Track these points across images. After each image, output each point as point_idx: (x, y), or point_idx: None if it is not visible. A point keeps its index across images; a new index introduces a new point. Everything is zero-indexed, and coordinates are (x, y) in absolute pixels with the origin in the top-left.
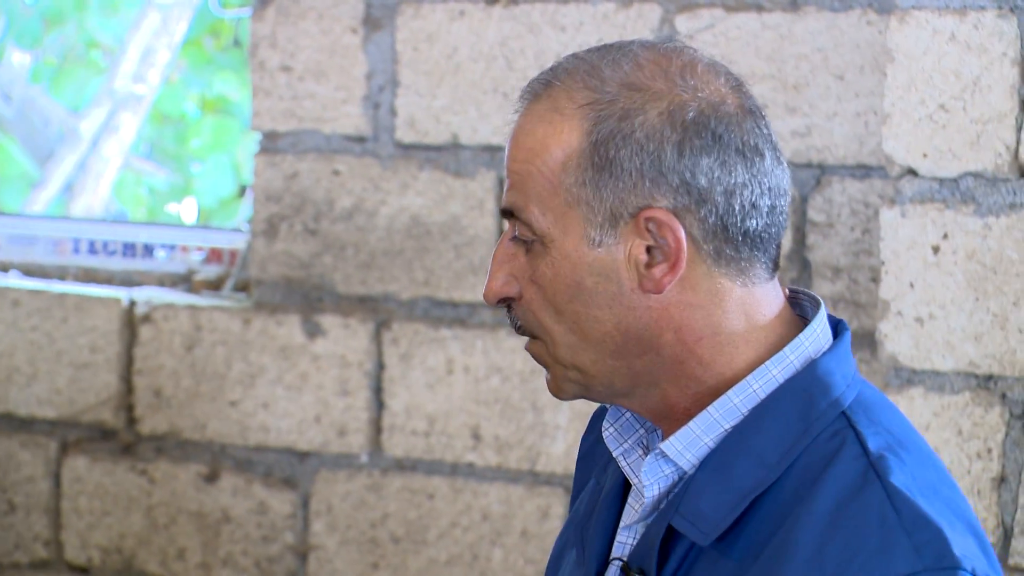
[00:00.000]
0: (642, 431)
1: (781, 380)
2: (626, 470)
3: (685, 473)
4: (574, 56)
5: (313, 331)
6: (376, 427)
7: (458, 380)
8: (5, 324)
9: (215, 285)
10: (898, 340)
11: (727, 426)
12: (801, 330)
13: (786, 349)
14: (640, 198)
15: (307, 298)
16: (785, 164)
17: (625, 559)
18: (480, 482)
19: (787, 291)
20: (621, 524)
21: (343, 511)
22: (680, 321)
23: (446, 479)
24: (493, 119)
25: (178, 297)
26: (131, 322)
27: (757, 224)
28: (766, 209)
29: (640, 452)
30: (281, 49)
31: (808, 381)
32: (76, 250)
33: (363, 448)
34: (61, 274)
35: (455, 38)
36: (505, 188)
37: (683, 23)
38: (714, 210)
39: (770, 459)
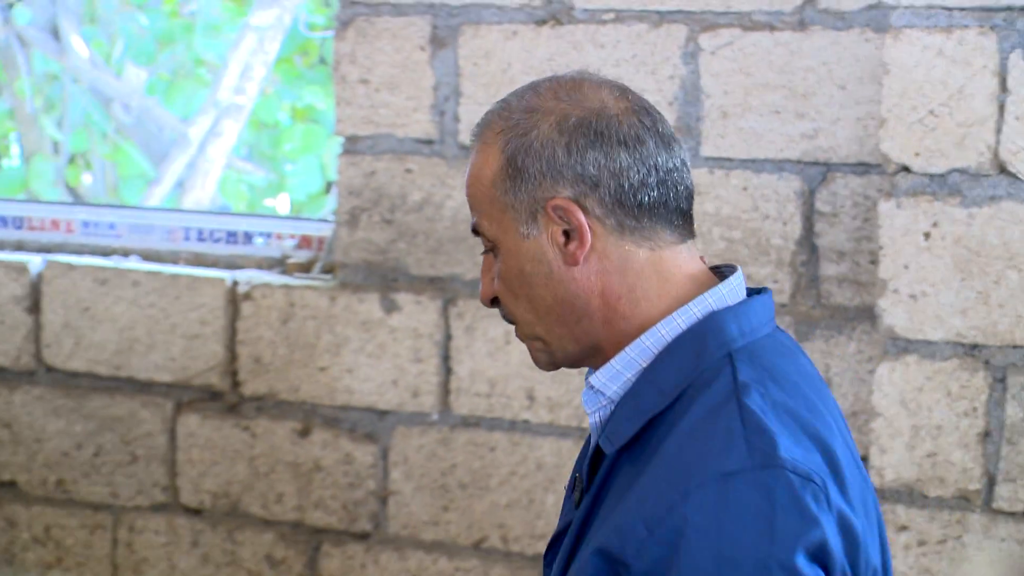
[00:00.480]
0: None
1: (684, 327)
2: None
3: (614, 402)
4: (500, 101)
5: (390, 307)
6: (445, 389)
7: (514, 349)
8: (127, 301)
9: (305, 268)
10: (895, 314)
11: (642, 363)
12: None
13: (691, 303)
14: (546, 192)
15: (384, 279)
16: (676, 149)
17: (577, 476)
18: (535, 437)
19: (723, 267)
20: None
21: (417, 461)
22: (602, 286)
23: (505, 434)
24: None
25: (274, 278)
26: (234, 300)
27: (649, 197)
28: (655, 183)
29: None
30: (360, 65)
31: (705, 328)
32: (187, 238)
33: (434, 407)
34: (174, 258)
35: (509, 54)
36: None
37: (706, 41)
38: (607, 191)
39: (666, 388)
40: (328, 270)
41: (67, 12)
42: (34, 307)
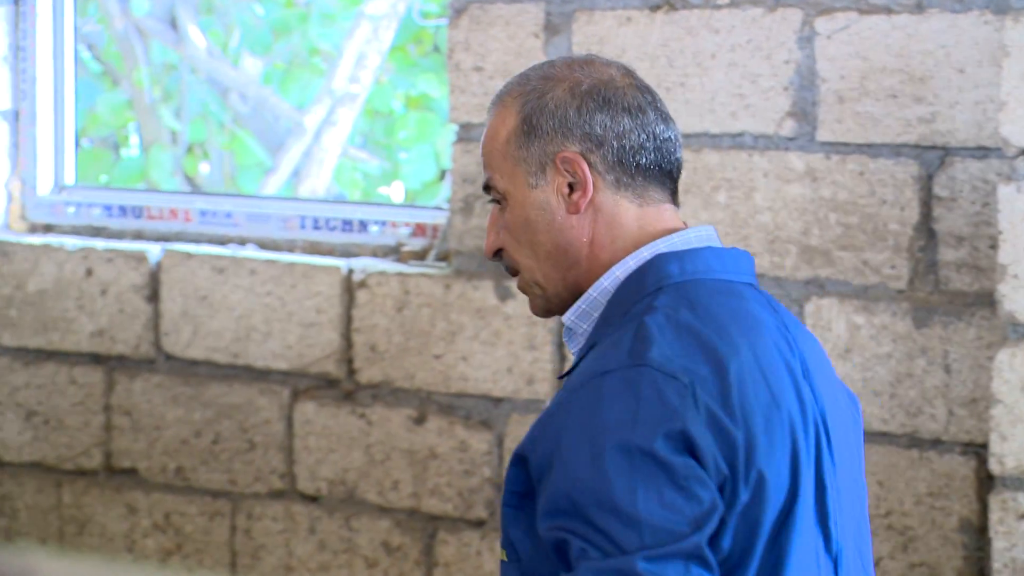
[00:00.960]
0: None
1: (633, 268)
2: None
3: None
4: (518, 74)
5: (504, 294)
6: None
7: None
8: (244, 290)
9: (420, 255)
10: (1015, 300)
11: (603, 301)
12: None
13: (643, 248)
14: (556, 147)
15: (498, 267)
16: (671, 125)
17: None
18: None
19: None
20: None
21: None
22: (592, 235)
23: None
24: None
25: (389, 266)
26: (349, 288)
27: (645, 159)
28: (652, 148)
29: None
30: (474, 52)
31: (647, 267)
32: (303, 226)
33: (548, 394)
34: (290, 247)
35: (623, 40)
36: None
37: (822, 25)
38: (610, 150)
39: (613, 318)
40: (442, 258)
41: (185, 2)
42: (153, 296)
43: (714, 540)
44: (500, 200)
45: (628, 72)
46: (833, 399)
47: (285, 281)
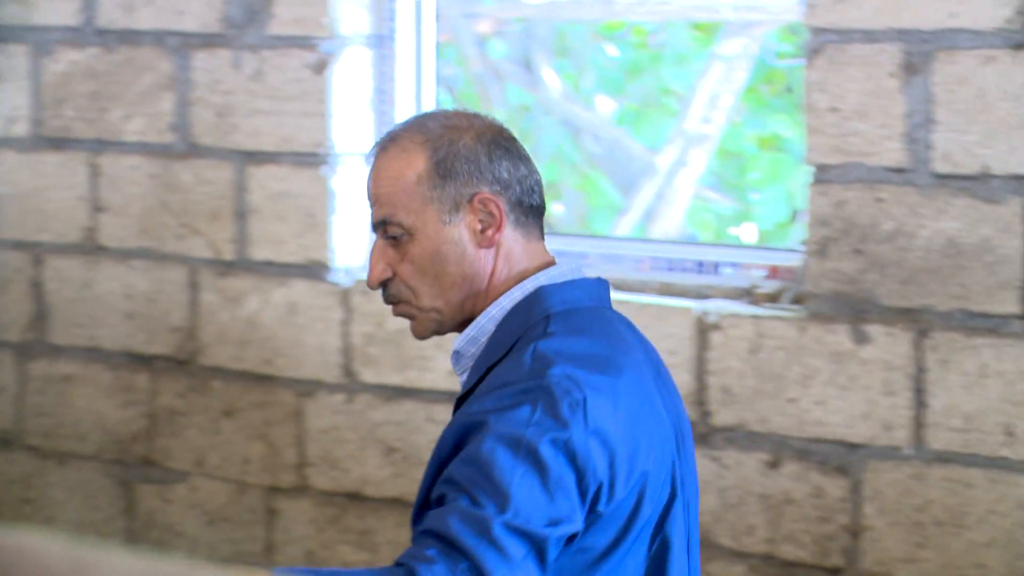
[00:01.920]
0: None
1: (520, 298)
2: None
3: (473, 362)
4: (399, 124)
5: (860, 338)
6: (918, 423)
7: (992, 383)
8: None
9: (773, 298)
10: None
11: (491, 329)
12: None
13: (526, 281)
14: (472, 189)
15: (854, 309)
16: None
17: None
18: (1014, 474)
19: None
20: None
21: (890, 496)
22: (492, 267)
23: (982, 471)
24: (1020, 152)
25: (742, 308)
26: (702, 329)
27: (535, 201)
28: (538, 191)
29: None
30: (830, 93)
31: (532, 298)
32: (655, 267)
33: (907, 442)
34: (642, 287)
35: (984, 80)
36: (371, 210)
37: None
38: (513, 193)
39: (503, 343)
40: (797, 300)
41: (540, 45)
42: None
43: (574, 540)
44: (399, 235)
45: (501, 123)
46: (677, 404)
47: (638, 322)
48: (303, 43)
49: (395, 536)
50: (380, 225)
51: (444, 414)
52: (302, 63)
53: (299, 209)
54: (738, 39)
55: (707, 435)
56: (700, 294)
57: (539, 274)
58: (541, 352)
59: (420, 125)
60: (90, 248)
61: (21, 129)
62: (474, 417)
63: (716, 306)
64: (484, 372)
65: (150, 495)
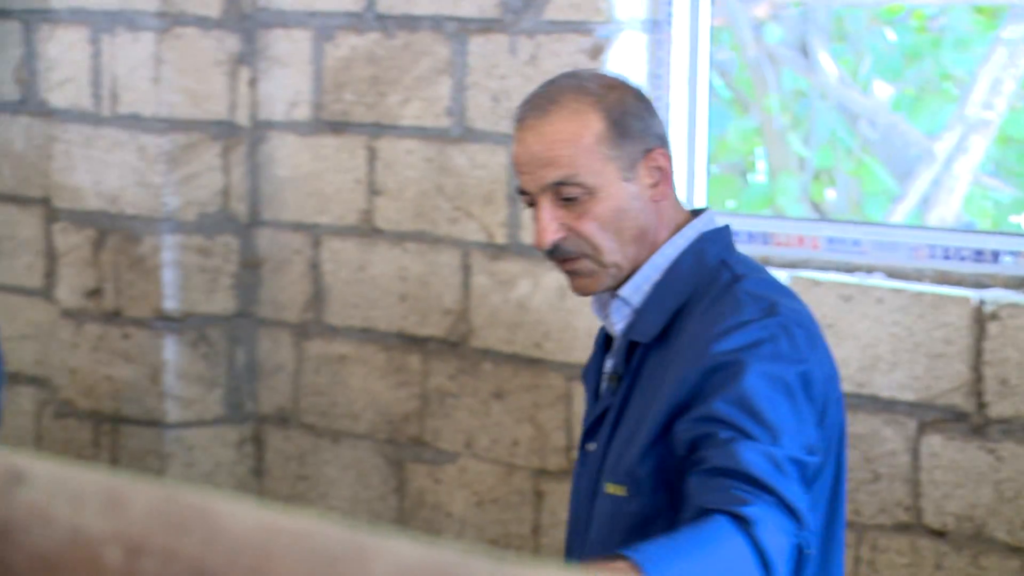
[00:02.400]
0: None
1: (684, 247)
2: (609, 327)
3: (635, 310)
4: (546, 85)
5: None
6: None
7: None
8: (871, 319)
9: None
10: None
11: (655, 277)
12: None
13: (684, 229)
14: (644, 145)
15: None
16: None
17: (606, 372)
18: None
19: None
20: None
21: None
22: (660, 218)
23: None
24: None
25: (1021, 298)
26: (980, 319)
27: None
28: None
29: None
30: None
31: (699, 244)
32: (932, 255)
33: None
34: (918, 276)
35: None
36: (537, 172)
37: None
38: (668, 147)
39: (680, 289)
40: None
41: (817, 30)
42: None
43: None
44: (578, 196)
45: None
46: None
47: (912, 311)
48: (579, 28)
49: None
50: (553, 186)
51: None
52: (577, 48)
53: None
54: (1022, 23)
55: (983, 427)
56: (978, 283)
57: (695, 222)
58: (755, 292)
59: (577, 87)
60: (366, 230)
61: (302, 113)
62: (720, 358)
63: (994, 295)
64: (669, 316)
65: (421, 475)
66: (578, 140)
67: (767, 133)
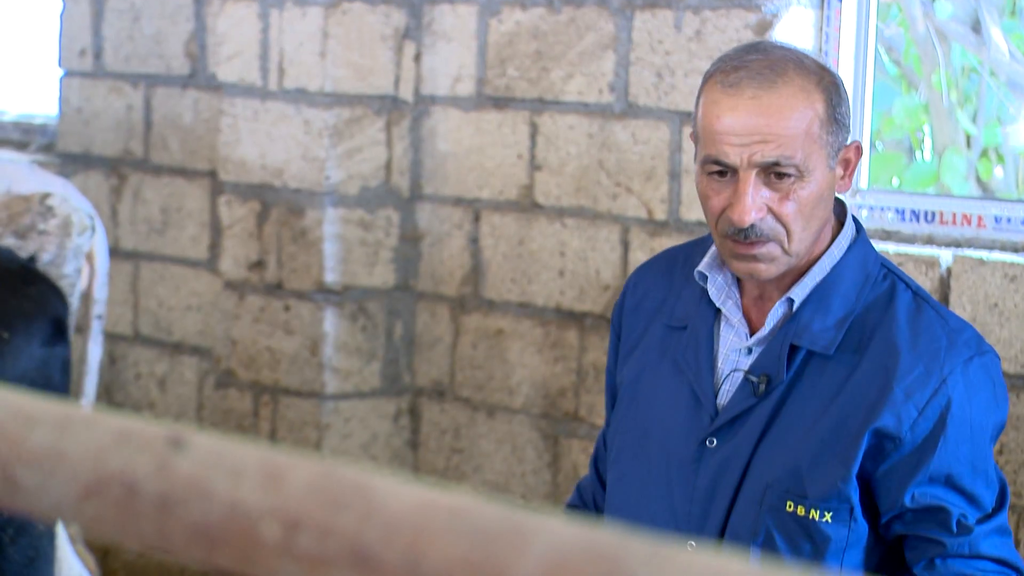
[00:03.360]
0: (730, 290)
1: (846, 247)
2: (731, 312)
3: (789, 311)
4: (757, 52)
5: None
6: None
7: None
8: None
9: None
10: None
11: (819, 278)
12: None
13: (845, 229)
14: (846, 138)
15: None
16: None
17: (746, 370)
18: None
19: None
20: (724, 350)
21: None
22: (829, 214)
23: None
24: None
25: None
26: None
27: None
28: None
29: (732, 303)
30: None
31: (860, 250)
32: None
33: None
34: None
35: None
36: (761, 147)
37: None
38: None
39: (851, 295)
40: None
41: (988, 5)
42: (942, 301)
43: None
44: (789, 175)
45: None
46: None
47: None
48: (746, 3)
49: None
50: (770, 164)
51: None
52: (743, 24)
53: None
54: None
55: None
56: None
57: (849, 221)
58: (952, 319)
59: (797, 62)
60: (527, 205)
61: (466, 88)
62: (946, 408)
63: None
64: (844, 326)
65: (575, 450)
66: (804, 119)
67: (934, 110)
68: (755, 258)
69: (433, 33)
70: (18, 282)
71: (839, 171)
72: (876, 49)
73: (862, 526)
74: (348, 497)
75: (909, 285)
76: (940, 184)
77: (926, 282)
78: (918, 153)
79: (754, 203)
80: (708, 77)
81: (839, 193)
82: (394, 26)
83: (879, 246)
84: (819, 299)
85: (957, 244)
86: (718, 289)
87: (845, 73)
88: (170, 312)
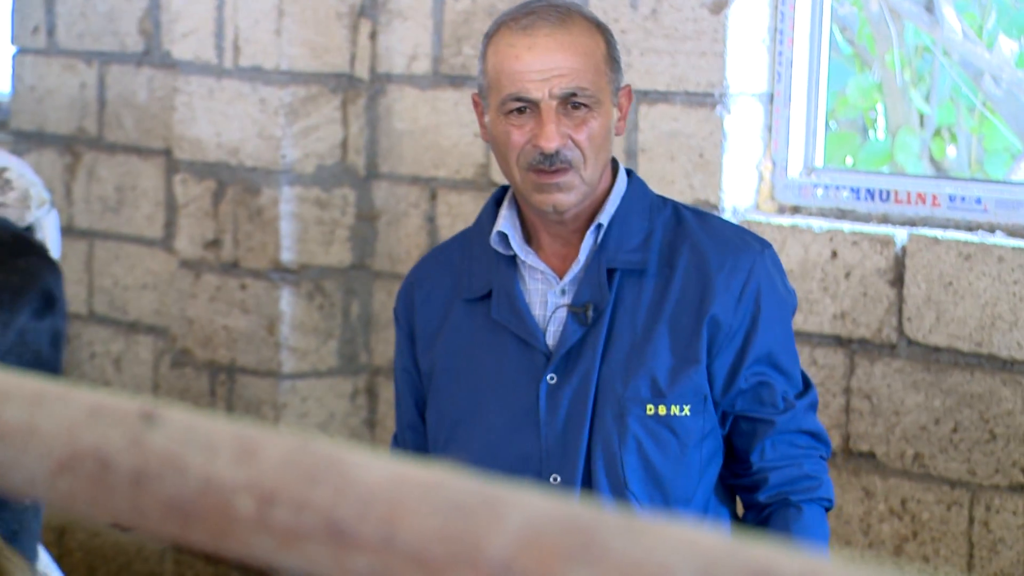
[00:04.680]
0: (526, 246)
1: (626, 180)
2: (535, 263)
3: (595, 243)
4: (549, 4)
5: None
6: None
7: None
8: (990, 277)
9: None
10: None
11: (612, 210)
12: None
13: (620, 171)
14: (622, 79)
15: None
16: None
17: (567, 303)
18: None
19: None
20: (538, 300)
21: None
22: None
23: None
24: None
25: None
26: None
27: None
28: None
29: (532, 256)
30: None
31: (637, 184)
32: None
33: None
34: None
35: None
36: (559, 79)
37: None
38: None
39: (644, 219)
40: None
41: None
42: (897, 280)
43: None
44: (586, 105)
45: None
46: None
47: None
48: None
49: None
50: (565, 95)
51: (829, 358)
52: (699, 2)
53: (690, 149)
54: None
55: None
56: None
57: (617, 162)
58: (729, 223)
59: (579, 9)
60: (483, 184)
61: (421, 66)
62: (758, 292)
63: None
64: (648, 244)
65: None
66: (593, 56)
67: (888, 89)
68: (558, 187)
69: (389, 11)
70: (6, 254)
71: (616, 113)
72: (831, 28)
73: (713, 415)
74: (322, 471)
75: (686, 206)
76: (894, 163)
77: (881, 260)
78: (872, 132)
79: (558, 130)
80: (494, 32)
81: (617, 135)
82: (350, 4)
83: (834, 224)
84: (619, 226)
85: (912, 223)
86: (519, 244)
87: (800, 52)
88: (125, 291)
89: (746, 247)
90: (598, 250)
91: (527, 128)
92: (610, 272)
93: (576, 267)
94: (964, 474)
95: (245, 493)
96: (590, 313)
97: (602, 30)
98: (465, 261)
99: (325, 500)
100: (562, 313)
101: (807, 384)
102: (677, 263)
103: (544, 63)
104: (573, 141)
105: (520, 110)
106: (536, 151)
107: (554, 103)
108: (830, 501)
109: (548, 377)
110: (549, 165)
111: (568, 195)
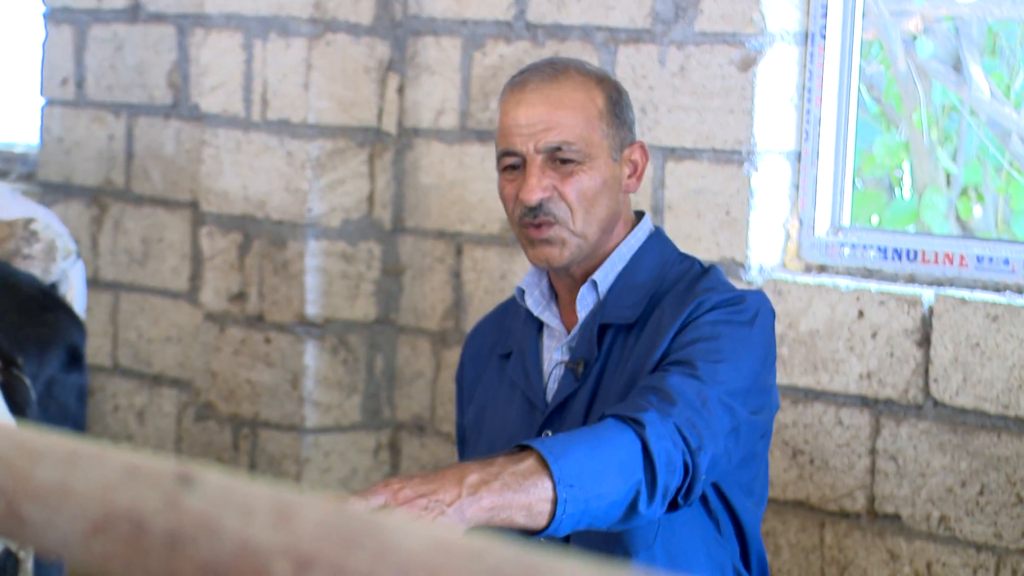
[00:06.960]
0: (548, 303)
1: (644, 238)
2: (550, 320)
3: (599, 299)
4: (541, 61)
5: None
6: None
7: None
8: (1018, 339)
9: None
10: None
11: (620, 267)
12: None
13: (639, 226)
14: (630, 136)
15: None
16: None
17: (566, 360)
18: None
19: None
20: (548, 355)
21: None
22: (622, 211)
23: None
24: None
25: None
26: None
27: None
28: None
29: (550, 313)
30: None
31: (658, 241)
32: None
33: None
34: None
35: None
36: (545, 133)
37: None
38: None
39: (651, 277)
40: None
41: (970, 44)
42: (924, 340)
43: None
44: (573, 160)
45: None
46: None
47: None
48: (730, 40)
49: (798, 540)
50: (551, 149)
51: (854, 418)
52: (727, 60)
53: (717, 206)
54: None
55: None
56: None
57: (644, 221)
58: (714, 271)
59: (579, 66)
60: (509, 240)
61: (448, 121)
62: (697, 312)
63: None
64: (646, 301)
65: None
66: (584, 109)
67: (915, 148)
68: (547, 242)
69: (417, 66)
70: (36, 308)
71: (626, 170)
72: (858, 87)
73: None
74: (361, 536)
75: (703, 263)
76: (920, 222)
77: (908, 321)
78: (898, 191)
79: (539, 183)
80: (503, 89)
81: (628, 192)
82: (378, 58)
83: (861, 284)
84: (623, 284)
85: (939, 283)
86: (535, 301)
87: (828, 110)
88: (150, 344)
89: (705, 291)
90: (601, 307)
91: (517, 182)
92: (605, 328)
93: (578, 324)
94: (991, 537)
95: (282, 557)
96: (581, 369)
97: (604, 85)
98: (508, 318)
99: (363, 565)
100: (560, 369)
101: (751, 407)
102: (652, 317)
103: (529, 118)
104: (560, 193)
105: (513, 166)
106: (522, 205)
107: (539, 157)
108: (644, 429)
109: (543, 432)
110: (533, 218)
111: (559, 250)
